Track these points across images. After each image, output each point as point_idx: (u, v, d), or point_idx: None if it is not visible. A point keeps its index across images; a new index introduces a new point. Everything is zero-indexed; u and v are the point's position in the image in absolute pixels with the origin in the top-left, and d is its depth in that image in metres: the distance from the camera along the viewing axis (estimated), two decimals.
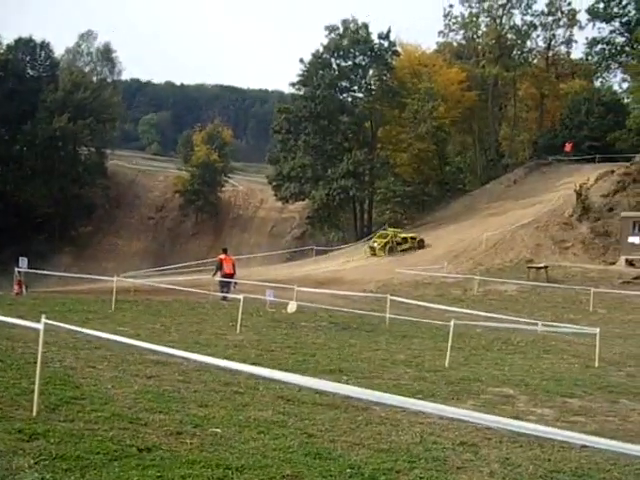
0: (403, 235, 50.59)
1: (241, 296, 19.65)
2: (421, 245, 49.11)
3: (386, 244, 49.19)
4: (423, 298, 30.53)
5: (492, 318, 20.95)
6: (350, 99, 67.41)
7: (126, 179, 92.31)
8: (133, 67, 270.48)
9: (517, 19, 72.13)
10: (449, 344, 14.78)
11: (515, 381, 13.34)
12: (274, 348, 15.41)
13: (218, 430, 7.93)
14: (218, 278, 27.84)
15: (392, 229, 52.85)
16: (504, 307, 29.42)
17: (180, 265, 52.37)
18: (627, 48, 55.24)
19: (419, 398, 9.95)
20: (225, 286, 27.10)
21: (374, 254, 49.09)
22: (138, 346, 9.16)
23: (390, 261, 44.75)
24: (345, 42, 64.61)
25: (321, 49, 65.20)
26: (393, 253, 48.27)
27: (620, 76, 60.16)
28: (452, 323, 15.24)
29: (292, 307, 22.87)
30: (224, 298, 25.91)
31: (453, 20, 73.77)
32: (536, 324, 20.64)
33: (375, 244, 50.01)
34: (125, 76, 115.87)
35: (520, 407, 11.20)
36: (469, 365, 15.14)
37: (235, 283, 27.56)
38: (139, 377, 10.71)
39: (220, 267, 27.90)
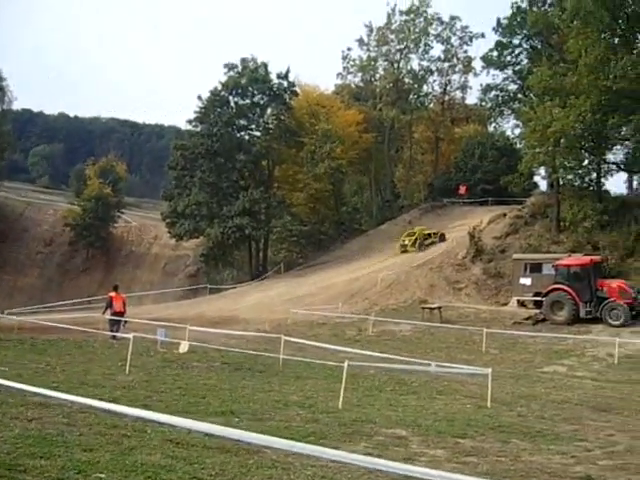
0: (427, 232, 54.75)
1: (131, 335, 19.14)
2: (442, 238, 53.37)
3: (415, 240, 53.81)
4: (318, 338, 30.43)
5: (386, 359, 20.94)
6: (247, 137, 67.60)
7: (14, 212, 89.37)
8: (25, 97, 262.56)
9: (414, 64, 74.64)
10: (342, 385, 14.68)
11: (408, 422, 13.31)
12: (164, 389, 14.97)
13: (102, 476, 7.53)
14: (108, 316, 27.04)
15: (418, 227, 56.48)
16: (398, 347, 29.56)
17: (69, 302, 50.86)
18: (519, 95, 57.63)
19: (311, 440, 9.81)
20: (115, 324, 26.35)
21: (405, 251, 53.21)
22: (19, 387, 8.67)
23: (286, 300, 44.59)
24: (244, 80, 64.90)
25: (219, 86, 65.30)
26: (422, 248, 52.40)
27: (513, 122, 62.50)
28: (346, 364, 15.16)
29: (184, 347, 22.42)
30: (113, 337, 25.20)
31: (351, 63, 75.52)
32: (429, 364, 20.80)
33: (406, 241, 54.15)
34: (16, 106, 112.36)
35: (413, 448, 11.16)
36: (362, 406, 15.04)
37: (125, 322, 26.84)
38: (20, 420, 10.11)
39: (110, 305, 27.10)
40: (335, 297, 42.91)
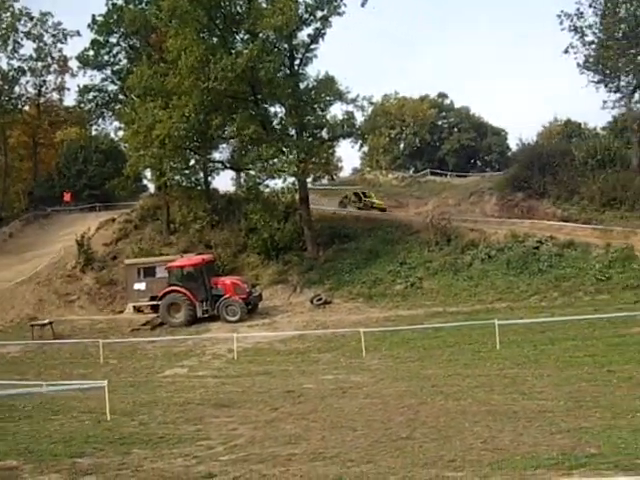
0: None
1: None
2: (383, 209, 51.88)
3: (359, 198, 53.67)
4: None
5: None
6: None
7: None
8: None
9: (3, 63, 68.89)
10: None
11: (20, 450, 12.52)
12: None
13: None
14: None
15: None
16: (8, 371, 27.47)
17: None
18: (120, 96, 56.41)
19: None
20: None
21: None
22: None
23: None
24: None
25: None
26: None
27: (115, 124, 61.37)
28: None
29: None
30: None
31: None
32: (42, 385, 19.65)
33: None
34: None
35: (25, 477, 10.42)
36: None
37: None
38: None
39: None
40: None
